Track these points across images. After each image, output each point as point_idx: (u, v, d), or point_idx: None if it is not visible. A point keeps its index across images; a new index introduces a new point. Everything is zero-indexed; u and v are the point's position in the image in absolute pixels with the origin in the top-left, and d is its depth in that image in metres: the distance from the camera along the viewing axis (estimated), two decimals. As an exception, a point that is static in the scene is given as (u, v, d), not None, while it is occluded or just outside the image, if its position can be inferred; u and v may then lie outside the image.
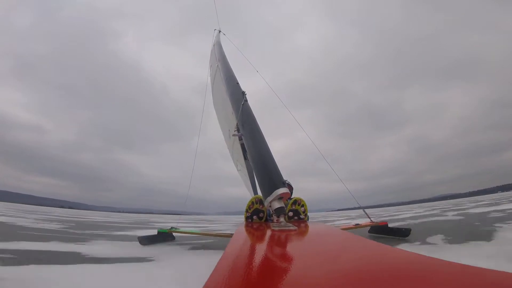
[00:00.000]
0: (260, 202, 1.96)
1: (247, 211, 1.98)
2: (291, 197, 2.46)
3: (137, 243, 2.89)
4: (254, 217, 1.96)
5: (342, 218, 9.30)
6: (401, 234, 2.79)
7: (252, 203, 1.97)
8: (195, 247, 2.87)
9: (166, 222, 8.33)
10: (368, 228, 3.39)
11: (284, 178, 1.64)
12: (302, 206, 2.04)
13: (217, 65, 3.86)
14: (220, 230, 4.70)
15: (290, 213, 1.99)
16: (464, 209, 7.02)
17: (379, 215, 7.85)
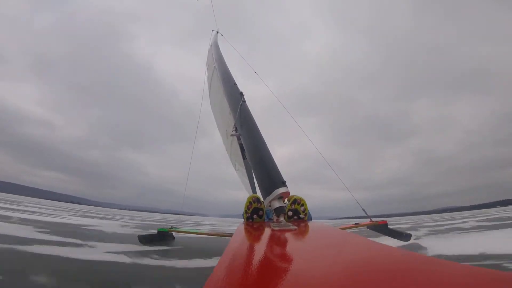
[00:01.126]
0: (257, 200, 1.95)
1: (246, 212, 1.96)
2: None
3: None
4: (255, 216, 1.95)
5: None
6: (401, 237, 2.78)
7: (250, 203, 1.94)
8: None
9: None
10: (367, 227, 3.40)
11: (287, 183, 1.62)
12: (302, 205, 2.00)
13: (214, 66, 3.86)
14: (220, 230, 4.69)
15: (290, 213, 1.98)
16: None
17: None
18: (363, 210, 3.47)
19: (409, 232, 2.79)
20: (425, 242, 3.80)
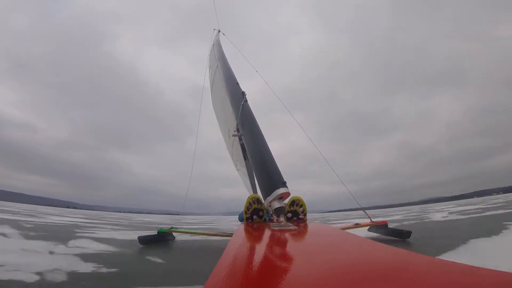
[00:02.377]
0: (258, 201, 1.93)
1: (245, 212, 1.94)
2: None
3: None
4: (254, 216, 1.94)
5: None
6: (401, 235, 2.78)
7: (249, 203, 1.93)
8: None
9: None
10: (368, 227, 3.40)
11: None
12: (301, 206, 1.98)
13: (217, 65, 3.85)
14: (220, 230, 4.69)
15: (289, 215, 1.96)
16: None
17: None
18: (364, 212, 3.47)
19: (408, 230, 2.81)
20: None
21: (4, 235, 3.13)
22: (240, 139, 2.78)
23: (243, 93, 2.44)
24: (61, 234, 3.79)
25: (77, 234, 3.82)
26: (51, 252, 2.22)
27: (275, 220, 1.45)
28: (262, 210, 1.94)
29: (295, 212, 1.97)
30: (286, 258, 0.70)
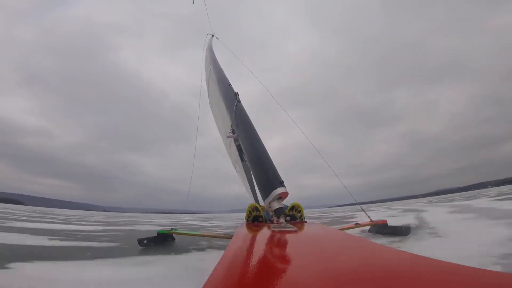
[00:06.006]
0: (256, 209, 2.06)
1: (247, 220, 2.05)
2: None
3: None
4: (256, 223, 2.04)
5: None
6: (401, 233, 2.80)
7: (249, 212, 2.06)
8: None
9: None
10: (369, 227, 3.39)
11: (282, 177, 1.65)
12: (299, 212, 2.12)
13: (210, 69, 3.88)
14: (220, 231, 4.67)
15: (288, 218, 2.05)
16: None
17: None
18: (363, 210, 3.48)
19: (407, 226, 2.84)
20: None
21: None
22: (236, 140, 2.79)
23: (236, 94, 2.46)
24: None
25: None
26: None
27: (275, 222, 1.45)
28: (261, 216, 2.06)
29: (293, 217, 2.07)
30: (286, 259, 0.70)
